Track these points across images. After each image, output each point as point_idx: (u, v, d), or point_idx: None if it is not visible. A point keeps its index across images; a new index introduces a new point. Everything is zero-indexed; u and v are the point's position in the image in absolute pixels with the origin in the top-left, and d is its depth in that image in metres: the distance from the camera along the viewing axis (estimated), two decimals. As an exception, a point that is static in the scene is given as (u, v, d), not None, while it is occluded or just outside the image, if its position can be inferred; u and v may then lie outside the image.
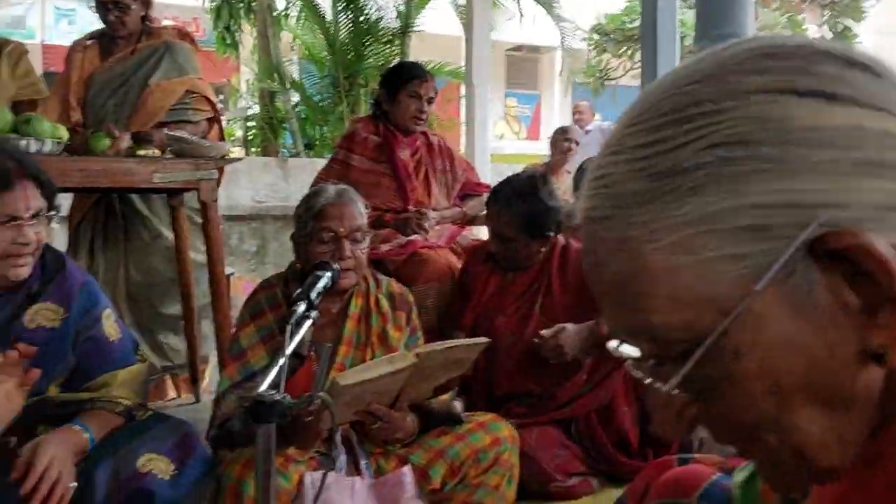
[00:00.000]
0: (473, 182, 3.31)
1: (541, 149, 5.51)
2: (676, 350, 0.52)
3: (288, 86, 7.65)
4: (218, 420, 2.01)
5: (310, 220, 2.06)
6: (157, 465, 1.66)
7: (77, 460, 1.63)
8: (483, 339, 1.95)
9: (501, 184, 2.61)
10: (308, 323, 1.63)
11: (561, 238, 2.60)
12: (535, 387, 2.41)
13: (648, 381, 0.55)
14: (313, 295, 1.73)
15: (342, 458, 1.96)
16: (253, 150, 8.11)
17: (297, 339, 1.59)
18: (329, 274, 1.84)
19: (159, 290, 3.32)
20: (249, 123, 8.29)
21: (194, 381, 3.32)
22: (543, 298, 2.51)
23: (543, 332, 2.34)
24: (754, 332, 0.50)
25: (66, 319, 1.77)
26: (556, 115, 15.24)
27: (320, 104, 7.81)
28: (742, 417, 0.53)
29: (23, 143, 2.39)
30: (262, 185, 6.04)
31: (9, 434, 1.65)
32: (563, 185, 5.00)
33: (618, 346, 0.58)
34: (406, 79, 3.01)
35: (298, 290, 1.74)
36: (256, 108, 8.22)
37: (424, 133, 3.12)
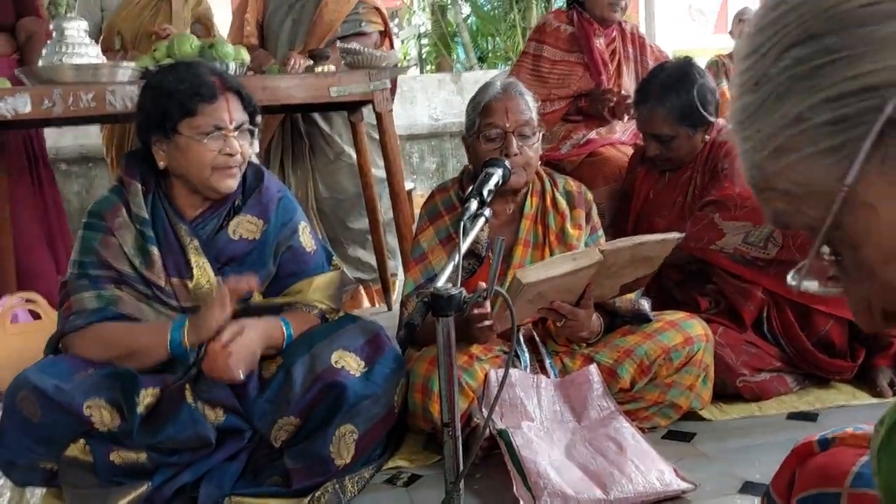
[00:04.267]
0: None
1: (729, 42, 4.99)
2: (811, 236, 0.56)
3: (458, -2, 7.53)
4: (405, 320, 2.05)
5: (476, 117, 2.00)
6: (347, 362, 1.73)
7: (271, 352, 1.74)
8: (675, 235, 1.81)
9: (645, 82, 2.38)
10: (481, 221, 1.60)
11: (720, 120, 2.35)
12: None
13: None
14: (485, 192, 1.69)
15: (526, 357, 1.95)
16: (427, 67, 8.13)
17: (472, 235, 1.56)
18: (500, 171, 1.79)
19: (346, 206, 3.45)
20: (423, 41, 8.30)
21: (385, 290, 3.45)
22: (696, 189, 2.31)
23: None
24: (867, 217, 0.51)
25: (266, 231, 1.87)
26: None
27: (491, 14, 7.63)
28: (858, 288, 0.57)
29: (209, 68, 2.52)
30: (438, 101, 6.06)
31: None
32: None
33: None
34: None
35: (470, 188, 1.71)
36: (429, 26, 8.19)
37: (619, 22, 2.95)
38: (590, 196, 2.16)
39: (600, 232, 2.15)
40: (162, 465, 1.64)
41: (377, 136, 3.29)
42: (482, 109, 1.99)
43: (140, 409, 1.63)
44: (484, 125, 1.97)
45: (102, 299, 1.77)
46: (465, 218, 1.57)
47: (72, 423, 1.62)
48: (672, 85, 2.26)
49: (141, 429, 1.62)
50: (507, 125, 1.95)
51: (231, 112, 1.78)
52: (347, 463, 1.67)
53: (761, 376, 2.09)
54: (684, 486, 1.57)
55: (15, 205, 3.00)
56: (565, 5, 3.05)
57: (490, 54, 7.49)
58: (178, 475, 1.65)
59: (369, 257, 3.50)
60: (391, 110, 2.71)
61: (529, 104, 2.01)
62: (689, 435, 1.90)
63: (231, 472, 1.68)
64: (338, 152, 3.44)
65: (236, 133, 1.79)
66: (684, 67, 2.30)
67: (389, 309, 3.42)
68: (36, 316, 2.82)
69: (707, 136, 2.31)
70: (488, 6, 7.63)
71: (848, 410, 2.00)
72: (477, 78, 6.27)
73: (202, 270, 1.82)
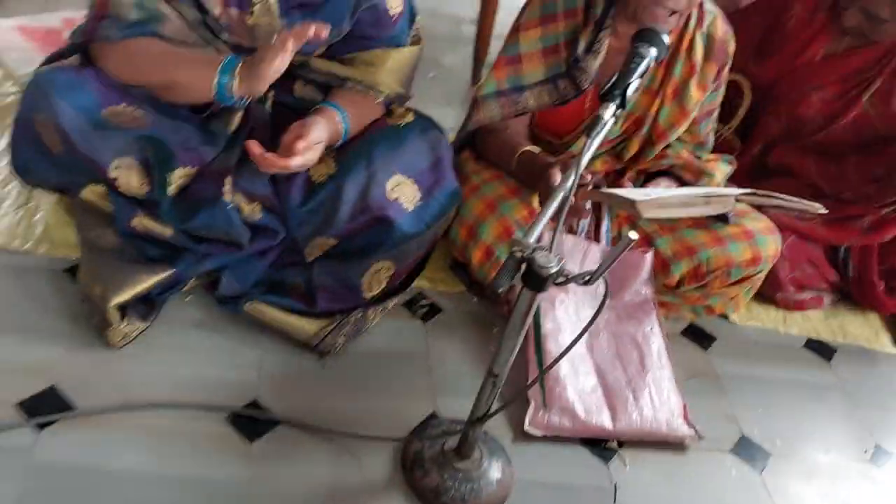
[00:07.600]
0: None
1: None
2: None
3: None
4: (471, 125, 1.81)
5: None
6: (403, 192, 1.56)
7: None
8: (819, 208, 1.60)
9: None
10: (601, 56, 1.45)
11: None
12: (827, 189, 1.99)
13: None
14: (629, 92, 1.32)
15: (584, 222, 1.79)
16: None
17: (597, 141, 1.26)
18: (654, 50, 1.40)
19: None
20: None
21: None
22: (882, 84, 1.93)
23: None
24: None
25: None
26: None
27: None
28: None
29: None
30: None
31: (269, 90, 1.52)
32: None
33: None
34: None
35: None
36: None
37: None
38: (732, 48, 1.77)
39: (722, 90, 1.82)
40: (186, 247, 1.53)
41: None
42: None
43: (171, 188, 1.46)
44: None
45: (145, 11, 1.46)
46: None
47: (93, 174, 1.46)
48: None
49: (170, 209, 1.48)
50: None
51: None
52: (375, 295, 1.61)
53: (803, 295, 2.01)
54: (688, 433, 1.60)
55: None
56: None
57: None
58: (201, 261, 1.56)
59: None
60: None
61: None
62: (707, 341, 1.89)
63: (256, 269, 1.59)
64: None
65: None
66: None
67: None
68: None
69: None
70: None
71: (866, 358, 1.99)
72: None
73: (266, 6, 1.50)
